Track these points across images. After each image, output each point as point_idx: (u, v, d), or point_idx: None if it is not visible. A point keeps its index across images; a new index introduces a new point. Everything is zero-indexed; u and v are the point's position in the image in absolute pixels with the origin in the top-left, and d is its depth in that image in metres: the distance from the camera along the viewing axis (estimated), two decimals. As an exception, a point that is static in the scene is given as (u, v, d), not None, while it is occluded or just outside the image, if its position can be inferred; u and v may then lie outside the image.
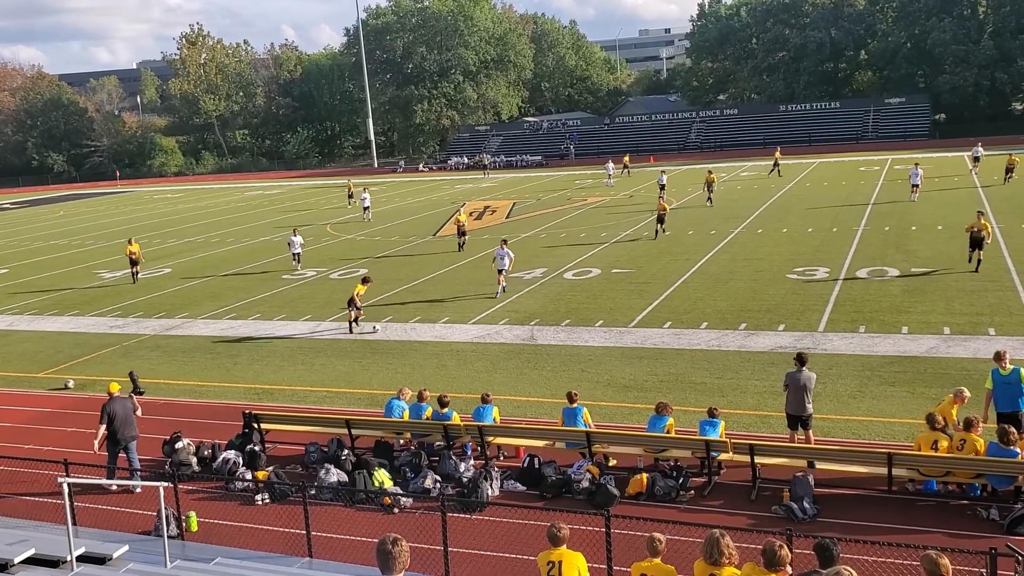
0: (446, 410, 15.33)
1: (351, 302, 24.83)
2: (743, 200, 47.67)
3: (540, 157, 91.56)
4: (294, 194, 75.57)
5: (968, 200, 41.02)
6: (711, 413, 14.24)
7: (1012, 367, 13.83)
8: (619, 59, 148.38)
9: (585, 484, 13.60)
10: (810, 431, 14.48)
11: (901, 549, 9.12)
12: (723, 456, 13.63)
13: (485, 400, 15.63)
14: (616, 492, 13.27)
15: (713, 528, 8.43)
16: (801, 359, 14.57)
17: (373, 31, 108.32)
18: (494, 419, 15.40)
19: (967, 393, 13.77)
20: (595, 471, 13.87)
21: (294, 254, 35.87)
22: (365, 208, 50.97)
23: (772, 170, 59.33)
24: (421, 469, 14.52)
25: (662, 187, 48.89)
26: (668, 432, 14.14)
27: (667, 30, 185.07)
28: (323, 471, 14.57)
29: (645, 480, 13.41)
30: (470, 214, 51.88)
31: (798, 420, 14.41)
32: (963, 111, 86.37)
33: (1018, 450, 12.23)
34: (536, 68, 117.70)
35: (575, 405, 14.93)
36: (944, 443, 12.70)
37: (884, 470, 12.68)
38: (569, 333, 23.52)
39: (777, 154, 61.70)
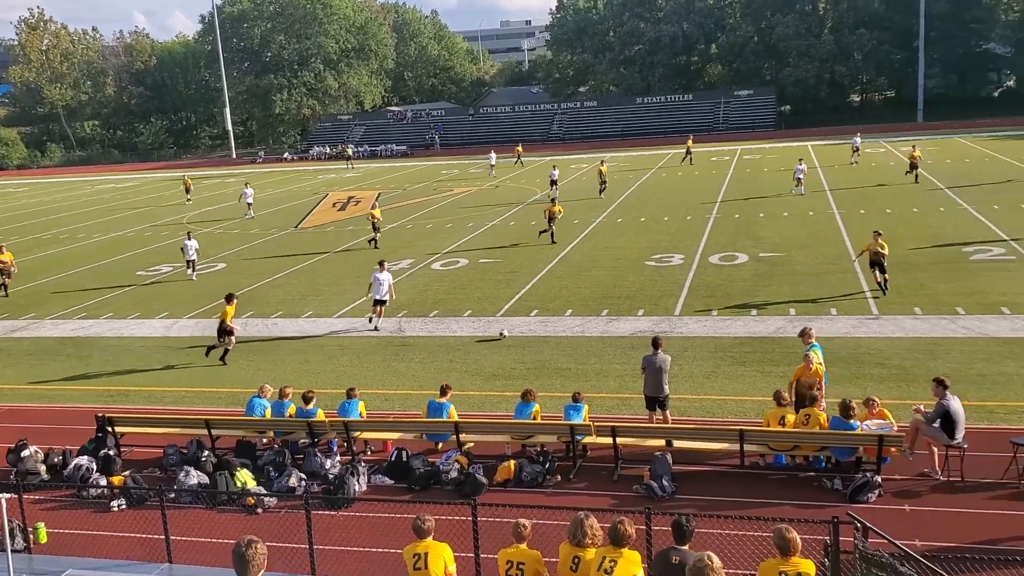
0: (310, 406, 15.08)
1: (223, 331, 21.08)
2: (606, 190, 48.76)
3: (405, 147, 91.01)
4: (148, 187, 72.40)
5: (809, 186, 43.25)
6: (575, 398, 14.58)
7: (811, 344, 14.98)
8: (481, 50, 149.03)
9: (454, 474, 13.68)
10: (667, 411, 15.03)
11: (754, 522, 9.59)
12: (587, 439, 13.99)
13: (351, 395, 15.48)
14: (484, 481, 13.41)
15: (578, 511, 8.66)
16: (656, 343, 15.10)
17: (229, 19, 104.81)
18: (360, 414, 15.27)
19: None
20: (463, 461, 13.97)
21: (188, 260, 31.49)
22: (248, 204, 47.10)
23: (684, 158, 60.84)
24: (285, 468, 14.25)
25: (553, 183, 47.32)
26: (534, 418, 14.39)
27: (528, 22, 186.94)
28: (182, 473, 14.10)
29: (513, 467, 13.60)
30: (334, 204, 51.15)
31: (656, 401, 14.94)
32: (806, 103, 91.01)
33: (858, 423, 13.07)
34: (398, 58, 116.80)
35: (444, 400, 14.96)
36: (791, 418, 13.43)
37: (737, 446, 13.31)
38: (437, 324, 23.54)
39: (689, 142, 63.36)
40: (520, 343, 21.28)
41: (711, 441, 13.73)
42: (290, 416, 15.32)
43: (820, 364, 14.62)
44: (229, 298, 21.61)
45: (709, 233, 33.54)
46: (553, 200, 34.78)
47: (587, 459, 14.31)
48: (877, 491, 12.38)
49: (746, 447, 13.32)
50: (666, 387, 14.91)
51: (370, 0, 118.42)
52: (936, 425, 12.67)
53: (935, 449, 12.92)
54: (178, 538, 11.93)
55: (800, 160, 44.54)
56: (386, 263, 24.08)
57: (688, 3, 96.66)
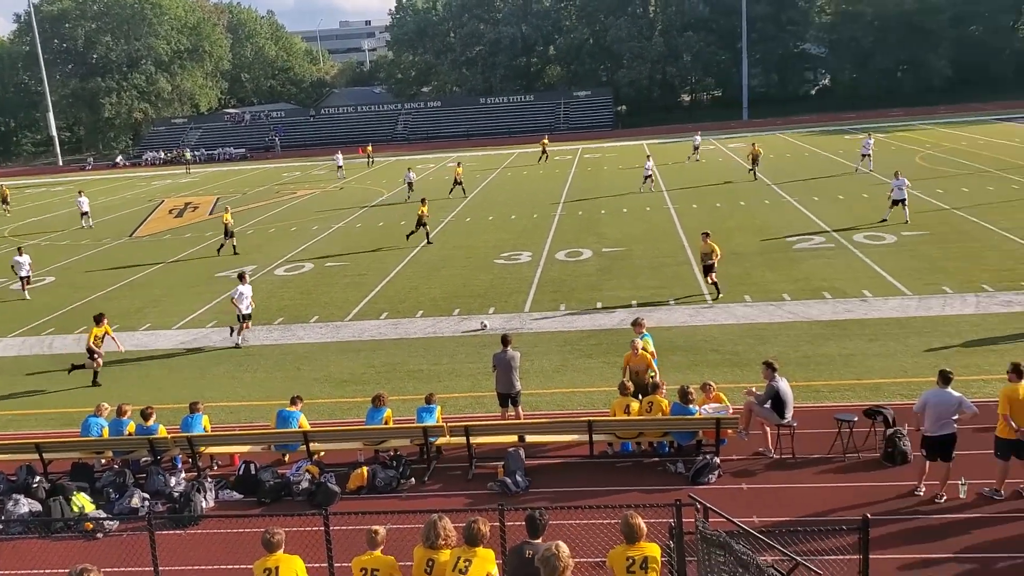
0: (150, 423, 14.45)
1: (92, 352, 19.99)
2: (439, 191, 48.90)
3: (244, 150, 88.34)
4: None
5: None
6: (428, 400, 14.60)
7: (642, 333, 15.80)
8: (321, 50, 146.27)
9: (305, 485, 13.43)
10: (519, 407, 15.29)
11: (604, 510, 9.90)
12: (441, 440, 14.03)
13: (194, 409, 14.93)
14: (337, 489, 13.23)
15: (433, 513, 8.69)
16: (505, 340, 15.33)
17: (48, 18, 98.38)
18: (205, 428, 14.75)
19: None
20: (314, 470, 13.73)
21: (21, 277, 29.33)
22: (84, 214, 44.11)
23: (541, 157, 61.44)
24: (127, 488, 13.59)
25: (410, 185, 46.86)
26: (386, 423, 14.32)
27: (368, 22, 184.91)
28: (11, 503, 13.20)
29: (366, 473, 13.49)
30: (170, 211, 49.08)
31: (508, 398, 15.17)
32: (640, 103, 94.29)
33: (696, 408, 13.71)
34: (235, 59, 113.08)
35: (294, 409, 14.66)
36: (635, 407, 13.93)
37: (586, 437, 13.70)
38: (283, 331, 23.01)
39: (545, 141, 64.13)
40: (370, 347, 21.10)
41: (561, 433, 14.07)
42: (129, 434, 14.62)
43: (646, 352, 15.30)
44: (98, 319, 20.47)
45: (555, 230, 34.26)
46: (423, 200, 34.46)
47: (442, 460, 14.36)
48: (717, 472, 13.03)
49: (595, 437, 13.72)
50: (517, 383, 15.15)
51: (202, 0, 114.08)
52: (767, 406, 13.44)
53: (768, 429, 13.71)
54: (9, 572, 11.18)
55: (648, 157, 45.57)
56: (246, 275, 23.12)
57: (525, 5, 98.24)
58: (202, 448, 14.50)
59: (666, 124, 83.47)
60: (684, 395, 13.68)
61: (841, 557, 9.85)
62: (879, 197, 35.53)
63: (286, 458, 14.70)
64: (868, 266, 24.77)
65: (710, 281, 22.92)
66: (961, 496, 11.91)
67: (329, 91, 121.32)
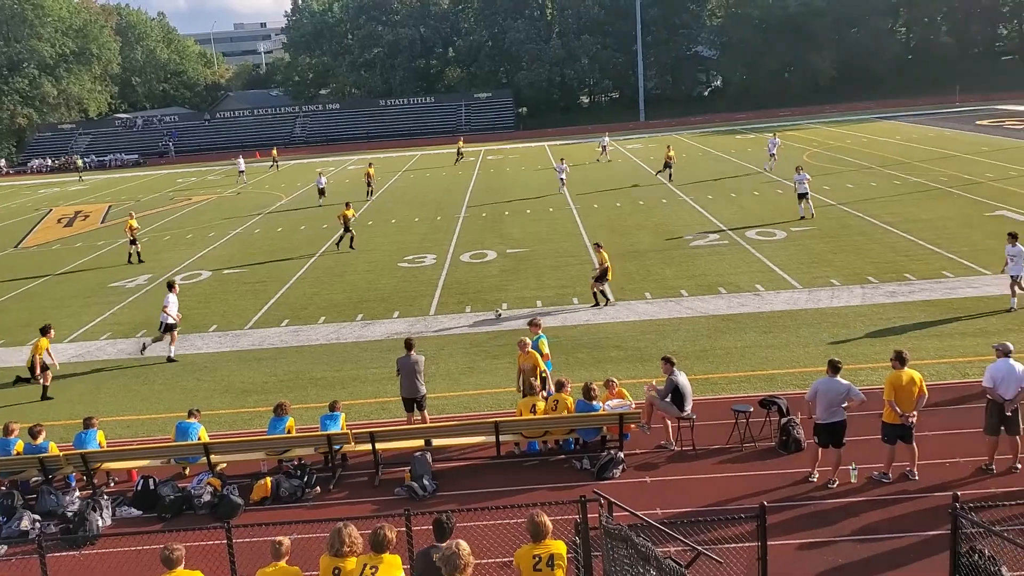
0: (40, 441, 13.86)
1: (35, 367, 19.15)
2: (353, 194, 48.36)
3: (137, 156, 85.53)
4: None
5: (548, 183, 45.35)
6: (332, 407, 14.43)
7: (537, 336, 15.86)
8: (215, 53, 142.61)
9: (207, 498, 13.11)
10: (425, 411, 15.25)
11: (511, 510, 9.98)
12: (346, 448, 13.88)
13: (88, 424, 14.38)
14: (240, 501, 12.97)
15: (339, 521, 8.60)
16: (408, 344, 15.28)
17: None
18: (100, 444, 14.24)
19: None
20: (217, 483, 13.42)
21: None
22: None
23: (457, 159, 61.13)
24: (15, 511, 13.00)
25: (321, 191, 45.18)
26: (289, 432, 14.09)
27: (263, 24, 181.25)
28: None
29: (269, 484, 13.25)
30: (59, 220, 47.16)
31: (413, 402, 15.11)
32: (540, 104, 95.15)
33: (600, 404, 13.94)
34: (125, 62, 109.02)
35: (193, 421, 14.30)
36: (540, 406, 14.07)
37: (493, 438, 13.77)
38: (180, 342, 22.32)
39: (460, 143, 63.88)
40: (271, 355, 20.72)
41: (468, 436, 14.12)
42: (17, 454, 13.99)
43: (535, 352, 15.30)
44: (44, 330, 19.67)
45: (459, 232, 34.28)
46: (347, 204, 33.67)
47: (347, 467, 14.23)
48: (621, 467, 13.28)
49: (501, 438, 13.82)
50: (422, 387, 15.11)
51: (88, 1, 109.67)
52: (668, 400, 13.78)
53: (669, 422, 14.05)
54: None
55: (562, 159, 45.17)
56: (175, 285, 22.07)
57: (423, 8, 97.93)
58: (97, 465, 13.99)
59: (566, 125, 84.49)
60: (587, 392, 13.90)
61: (741, 545, 10.16)
62: (769, 195, 36.80)
63: (186, 471, 14.32)
64: (760, 261, 25.61)
65: (597, 290, 22.50)
66: (852, 480, 12.43)
67: (224, 94, 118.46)
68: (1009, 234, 19.79)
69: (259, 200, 48.84)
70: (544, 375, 15.20)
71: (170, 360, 20.82)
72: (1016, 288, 19.53)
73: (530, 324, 16.47)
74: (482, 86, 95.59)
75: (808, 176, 31.39)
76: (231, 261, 31.91)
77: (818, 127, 65.78)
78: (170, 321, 20.99)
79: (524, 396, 14.38)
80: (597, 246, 23.07)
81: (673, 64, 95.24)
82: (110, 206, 51.89)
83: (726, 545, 10.16)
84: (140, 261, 32.77)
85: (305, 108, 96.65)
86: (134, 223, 33.82)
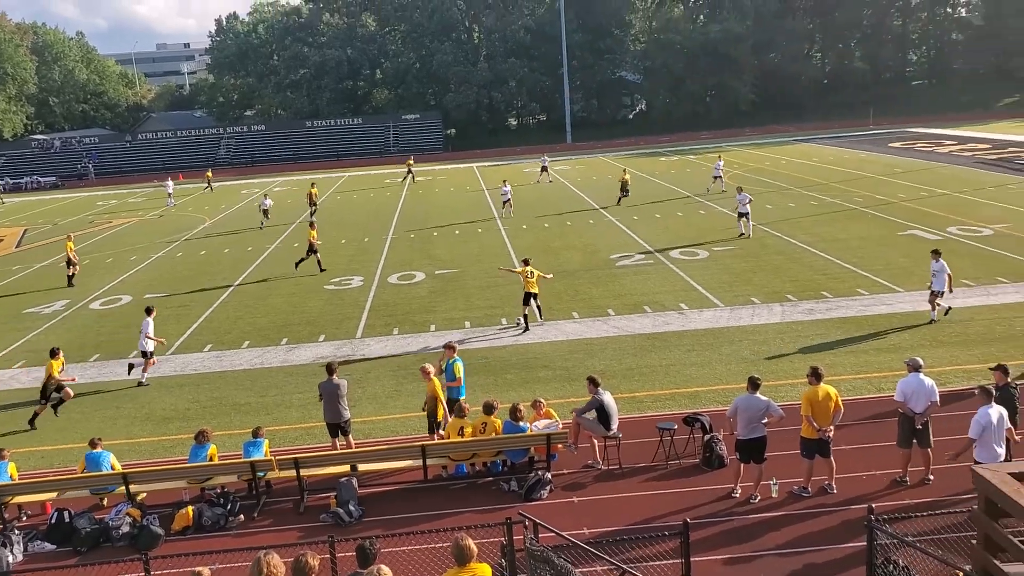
0: (-52, 476, 13.32)
1: (49, 391, 18.48)
2: (279, 216, 47.81)
3: (54, 178, 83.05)
4: None
5: (477, 204, 45.52)
6: (255, 433, 14.19)
7: (452, 360, 15.60)
8: (137, 73, 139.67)
9: (126, 529, 12.74)
10: (350, 436, 15.10)
11: (437, 534, 9.93)
12: (270, 474, 13.65)
13: (-1, 457, 13.88)
14: (160, 531, 12.64)
15: (260, 549, 8.44)
16: (330, 368, 15.14)
17: None
18: (11, 476, 13.74)
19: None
20: (136, 513, 13.05)
21: None
22: None
23: (406, 177, 60.77)
24: (-80, 549, 12.44)
25: (265, 212, 44.45)
26: (211, 459, 13.80)
27: (186, 44, 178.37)
28: None
29: (191, 513, 12.95)
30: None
31: (337, 427, 14.96)
32: (469, 126, 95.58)
33: (527, 425, 14.00)
34: (41, 82, 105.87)
35: (98, 450, 13.90)
36: (468, 428, 14.06)
37: (421, 462, 13.70)
38: (100, 369, 21.77)
39: (410, 161, 63.56)
40: (194, 381, 20.28)
41: (395, 460, 14.01)
42: (-77, 490, 13.41)
43: (436, 381, 14.97)
44: (54, 352, 18.93)
45: (387, 254, 34.12)
46: (312, 224, 32.68)
47: (272, 494, 13.99)
48: (549, 487, 13.33)
49: (428, 461, 13.75)
50: (345, 412, 14.96)
51: (4, 20, 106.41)
52: (594, 419, 13.90)
53: (595, 441, 14.18)
54: None
55: (504, 182, 44.27)
56: (152, 310, 21.49)
57: (350, 29, 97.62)
58: (9, 498, 13.49)
59: (495, 147, 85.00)
60: (515, 413, 13.95)
61: (666, 562, 10.29)
62: (693, 215, 37.57)
63: (104, 502, 13.90)
64: (684, 280, 26.08)
65: (525, 311, 22.46)
66: (773, 495, 12.71)
67: (146, 115, 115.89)
68: (932, 251, 20.70)
69: (182, 223, 47.87)
70: (453, 404, 15.03)
71: (140, 384, 20.35)
72: (937, 302, 20.33)
73: (446, 347, 16.22)
74: (410, 108, 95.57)
75: (750, 197, 32.23)
76: (153, 285, 31.19)
77: (739, 150, 67.41)
78: (149, 348, 20.64)
79: (453, 418, 14.34)
80: (525, 262, 23.19)
81: (598, 88, 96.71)
82: (25, 230, 50.29)
83: (651, 563, 10.28)
84: (70, 285, 31.90)
85: (230, 129, 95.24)
86: (72, 245, 33.11)
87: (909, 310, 21.46)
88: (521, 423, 13.88)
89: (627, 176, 44.13)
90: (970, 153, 53.54)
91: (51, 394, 18.57)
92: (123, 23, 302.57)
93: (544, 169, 56.23)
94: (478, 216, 42.14)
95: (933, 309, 20.51)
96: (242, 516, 13.16)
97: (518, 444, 13.81)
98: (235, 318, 25.73)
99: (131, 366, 20.86)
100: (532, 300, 22.47)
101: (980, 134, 65.05)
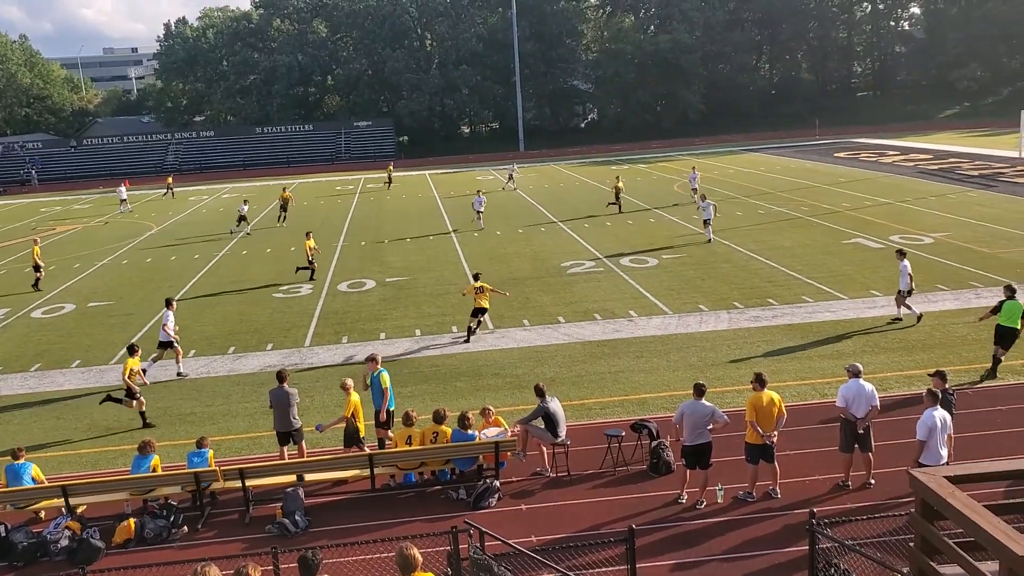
0: None
1: (132, 389, 17.87)
2: (227, 222, 47.22)
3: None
4: None
5: (429, 212, 45.46)
6: (199, 443, 13.98)
7: (376, 372, 15.27)
8: (83, 78, 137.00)
9: (65, 543, 12.46)
10: (302, 444, 14.96)
11: (384, 543, 9.89)
12: (215, 485, 13.45)
13: (-70, 470, 13.50)
14: (101, 544, 12.38)
15: (202, 561, 8.33)
16: (280, 376, 14.98)
17: None
18: (34, 479, 13.40)
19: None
20: (76, 526, 12.77)
21: None
22: None
23: (387, 183, 61.09)
24: None
25: (243, 219, 43.00)
26: (154, 470, 13.56)
27: (134, 49, 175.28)
28: None
29: (133, 525, 12.70)
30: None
31: (287, 436, 14.80)
32: (421, 133, 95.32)
33: (476, 433, 13.98)
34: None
35: (20, 462, 13.58)
36: (416, 437, 14.01)
37: (368, 471, 13.61)
38: (40, 378, 21.29)
39: (390, 168, 63.88)
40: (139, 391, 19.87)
41: (342, 469, 13.89)
42: None
43: (355, 396, 14.59)
44: (132, 350, 18.49)
45: (337, 261, 33.87)
46: (308, 234, 31.90)
47: (217, 505, 13.78)
48: (497, 495, 13.34)
49: (376, 470, 13.67)
50: (296, 421, 14.82)
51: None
52: (541, 426, 13.94)
53: (544, 448, 14.21)
54: None
55: (479, 191, 42.78)
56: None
57: (301, 35, 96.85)
58: (-60, 514, 13.12)
59: (448, 155, 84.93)
60: (463, 421, 13.93)
61: (612, 568, 10.38)
62: (642, 223, 37.92)
63: (42, 515, 13.58)
64: (634, 288, 26.30)
65: (472, 323, 22.22)
66: (719, 501, 12.86)
67: (92, 121, 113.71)
68: (897, 251, 21.68)
69: (128, 230, 47.03)
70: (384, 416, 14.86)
71: (180, 375, 20.86)
72: (905, 303, 21.01)
73: (368, 360, 15.62)
74: (362, 114, 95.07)
75: (714, 204, 33.34)
76: (97, 293, 30.58)
77: (689, 159, 68.16)
78: (168, 339, 20.80)
79: (401, 427, 14.28)
80: (475, 276, 23.15)
81: (551, 96, 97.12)
82: (-37, 236, 48.99)
83: (598, 570, 10.37)
84: (37, 289, 31.73)
85: (178, 135, 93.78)
86: (39, 251, 32.76)
87: (852, 317, 21.90)
88: (470, 431, 13.87)
89: (621, 184, 42.47)
90: (912, 163, 54.82)
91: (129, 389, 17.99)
92: (70, 27, 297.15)
93: (511, 177, 56.32)
94: (430, 224, 42.05)
95: (899, 307, 21.19)
96: (186, 528, 12.95)
97: (467, 452, 13.78)
98: (182, 327, 25.16)
99: (154, 359, 21.11)
100: (480, 315, 22.32)
101: (922, 145, 66.68)
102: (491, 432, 14.10)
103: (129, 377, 17.77)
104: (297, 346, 22.66)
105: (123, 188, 58.19)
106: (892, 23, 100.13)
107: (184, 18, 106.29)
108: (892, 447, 13.88)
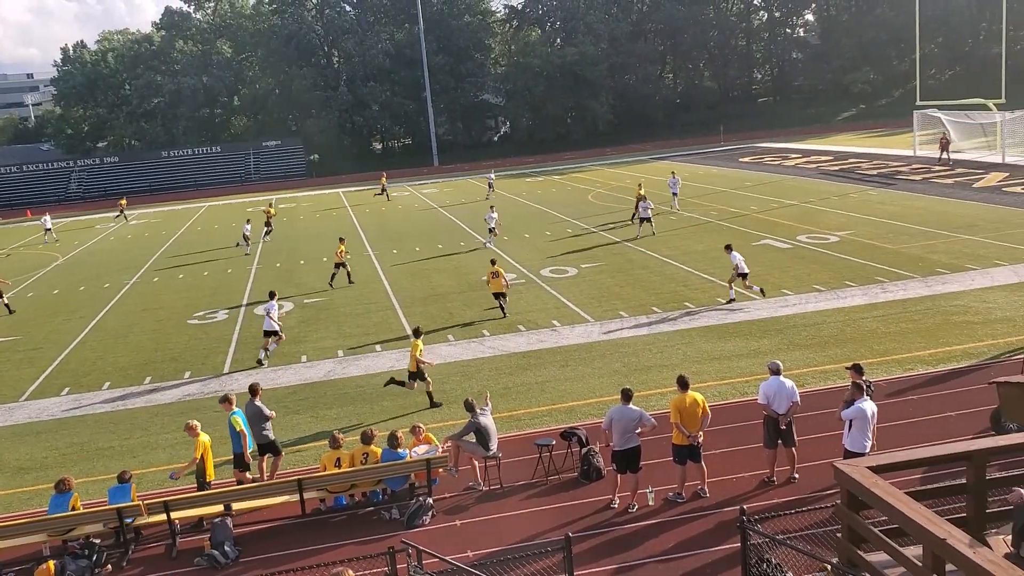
0: None
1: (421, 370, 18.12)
2: (136, 248, 45.96)
3: None
4: None
5: (344, 230, 45.05)
6: (121, 478, 13.53)
7: (230, 413, 14.50)
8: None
9: (-21, 591, 11.93)
10: (279, 458, 14.90)
11: (318, 569, 9.76)
12: (139, 520, 13.04)
13: None
14: (19, 590, 11.89)
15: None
16: (252, 390, 15.05)
17: None
18: (72, 508, 12.73)
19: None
20: (-9, 573, 12.24)
21: None
22: None
23: (381, 193, 61.41)
24: None
25: (245, 238, 42.10)
26: (73, 509, 13.07)
27: (30, 75, 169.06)
28: None
29: (52, 567, 12.20)
30: None
31: (267, 448, 14.95)
32: (332, 151, 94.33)
33: (407, 451, 13.89)
34: None
35: None
36: (345, 460, 13.83)
37: (298, 496, 13.38)
38: (-59, 422, 20.29)
39: (383, 179, 63.32)
40: (51, 428, 19.17)
41: (270, 496, 13.62)
42: None
43: (203, 436, 13.96)
44: (417, 332, 18.71)
45: (252, 284, 33.26)
46: (341, 239, 32.61)
47: (142, 541, 13.36)
48: (431, 512, 13.27)
49: (306, 495, 13.45)
50: (269, 433, 14.87)
51: None
52: (473, 440, 13.94)
53: (476, 463, 14.21)
54: None
55: (492, 207, 40.62)
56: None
57: (205, 57, 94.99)
58: None
59: (360, 172, 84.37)
60: (393, 440, 13.83)
61: (550, 577, 10.43)
62: (559, 234, 38.33)
63: (-48, 565, 12.95)
64: (556, 298, 26.54)
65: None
66: (650, 503, 13.06)
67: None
68: (725, 246, 25.07)
69: (32, 261, 45.29)
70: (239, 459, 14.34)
71: (259, 362, 22.43)
72: (746, 284, 23.91)
73: (221, 402, 14.87)
74: (271, 134, 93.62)
75: (651, 204, 36.44)
76: (2, 328, 29.33)
77: (600, 168, 69.21)
78: (273, 328, 22.45)
79: (329, 449, 14.09)
80: (492, 262, 25.59)
81: (462, 111, 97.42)
82: None
83: (536, 579, 10.40)
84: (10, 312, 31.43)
85: (81, 162, 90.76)
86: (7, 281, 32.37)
87: (766, 316, 22.53)
88: (400, 450, 13.78)
89: (643, 191, 38.38)
90: (814, 165, 56.75)
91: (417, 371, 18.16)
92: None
93: (490, 186, 56.44)
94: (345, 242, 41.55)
95: (730, 288, 24.43)
96: (110, 566, 12.52)
97: (398, 471, 13.68)
98: (94, 358, 24.52)
99: (264, 348, 22.78)
100: (500, 299, 24.88)
101: (822, 147, 69.09)
102: (422, 450, 14.03)
103: (420, 357, 18.01)
104: (216, 373, 22.16)
105: (47, 217, 56.30)
106: (788, 30, 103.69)
107: (82, 42, 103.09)
108: (814, 441, 14.32)
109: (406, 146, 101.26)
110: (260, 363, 22.35)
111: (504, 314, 24.73)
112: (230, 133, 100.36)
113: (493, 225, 37.52)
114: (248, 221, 44.76)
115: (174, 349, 24.80)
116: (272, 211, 47.54)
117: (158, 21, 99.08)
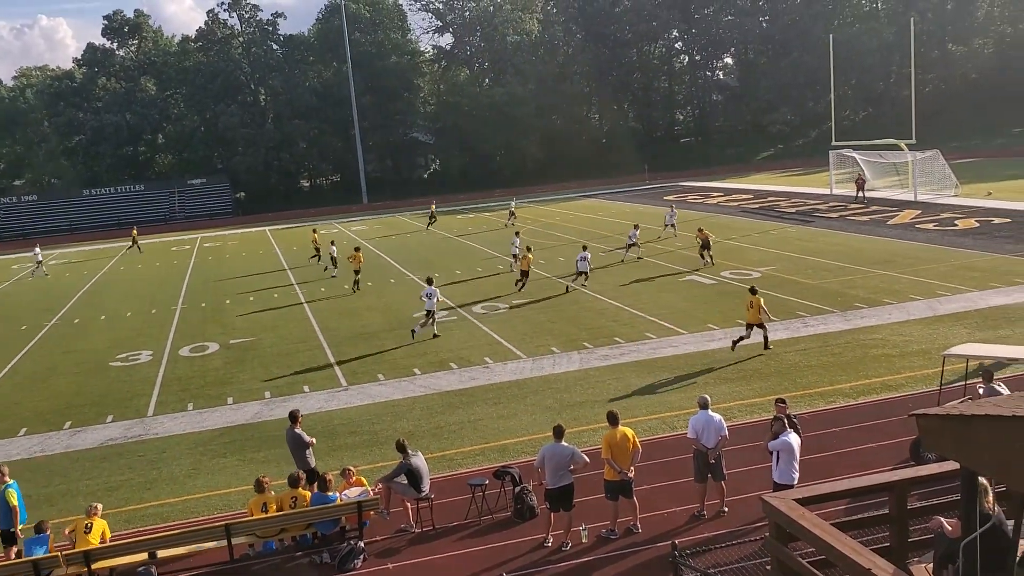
0: None
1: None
2: (56, 289, 44.59)
3: None
4: None
5: (271, 269, 44.48)
6: (38, 528, 13.08)
7: (4, 486, 13.95)
8: None
9: None
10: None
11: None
12: (57, 572, 12.57)
13: None
14: (-72, 650, 11.32)
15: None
16: (292, 417, 15.21)
17: None
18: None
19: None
20: None
21: None
22: None
23: (431, 222, 60.10)
24: None
25: (333, 260, 40.77)
26: (-13, 563, 12.56)
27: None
28: None
29: (-36, 625, 11.69)
30: None
31: (308, 474, 14.76)
32: (259, 189, 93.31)
33: (337, 494, 13.70)
34: None
35: None
36: (273, 505, 13.57)
37: (225, 542, 13.07)
38: None
39: (433, 207, 62.31)
40: (-38, 478, 18.35)
41: (197, 542, 13.28)
42: None
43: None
44: (753, 290, 22.43)
45: (177, 325, 32.55)
46: (356, 248, 33.72)
47: (59, 594, 12.86)
48: (362, 556, 13.09)
49: (234, 540, 13.15)
50: (311, 459, 15.14)
51: None
52: (404, 482, 13.83)
53: (408, 504, 14.09)
54: None
55: (517, 233, 40.48)
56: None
57: (128, 94, 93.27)
58: None
59: (288, 209, 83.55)
60: (322, 483, 13.65)
61: (484, 617, 10.37)
62: (493, 270, 38.50)
63: None
64: (488, 334, 26.59)
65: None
66: (583, 541, 13.11)
67: None
68: (582, 246, 30.48)
69: (-61, 303, 43.55)
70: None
71: (413, 332, 26.63)
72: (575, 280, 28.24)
73: None
74: (196, 171, 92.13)
75: (637, 233, 38.20)
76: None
77: (530, 206, 69.85)
78: (432, 308, 26.60)
79: (256, 494, 13.81)
80: (528, 248, 29.83)
81: (392, 148, 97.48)
82: None
83: (470, 620, 10.33)
84: None
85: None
86: None
87: (693, 351, 22.94)
88: (330, 493, 13.59)
89: (705, 233, 35.82)
90: (736, 203, 58.26)
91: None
92: None
93: (512, 213, 56.95)
94: (272, 281, 41.10)
95: (574, 281, 29.31)
96: (26, 622, 12.02)
97: (328, 515, 13.48)
98: (10, 404, 23.64)
99: (422, 325, 26.73)
100: (524, 278, 31.65)
101: (743, 185, 71.03)
102: (353, 492, 13.85)
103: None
104: (140, 416, 21.57)
105: (37, 249, 54.74)
106: (709, 73, 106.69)
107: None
108: (743, 474, 14.58)
109: (335, 183, 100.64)
110: (414, 331, 26.59)
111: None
112: (154, 171, 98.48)
113: (516, 251, 37.05)
114: (332, 243, 42.93)
115: (95, 392, 24.08)
116: (317, 237, 45.79)
117: (79, 58, 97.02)
